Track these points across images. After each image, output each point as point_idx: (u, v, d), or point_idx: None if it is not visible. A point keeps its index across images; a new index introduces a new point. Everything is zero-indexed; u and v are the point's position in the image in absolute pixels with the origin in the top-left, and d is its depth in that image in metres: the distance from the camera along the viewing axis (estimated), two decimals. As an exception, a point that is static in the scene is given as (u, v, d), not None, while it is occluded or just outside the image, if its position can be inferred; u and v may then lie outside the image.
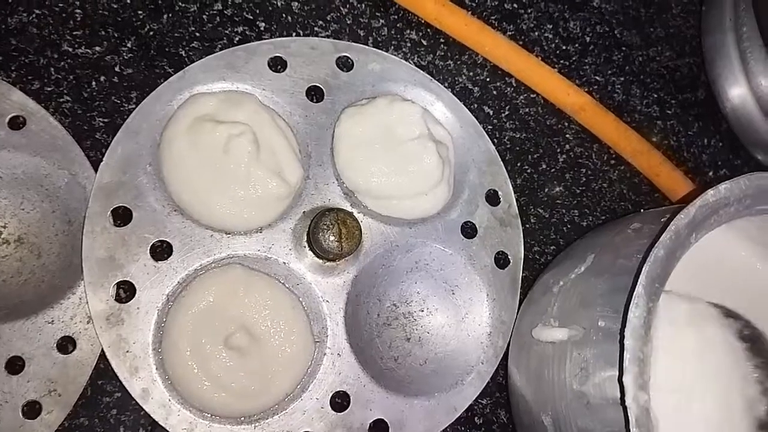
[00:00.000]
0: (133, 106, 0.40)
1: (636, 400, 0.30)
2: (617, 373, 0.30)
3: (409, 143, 0.41)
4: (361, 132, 0.42)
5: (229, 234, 0.39)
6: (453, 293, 0.44)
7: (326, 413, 0.38)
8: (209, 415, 0.36)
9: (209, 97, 0.40)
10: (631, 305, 0.31)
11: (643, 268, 0.31)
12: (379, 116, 0.42)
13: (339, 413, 0.38)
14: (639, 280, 0.31)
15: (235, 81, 0.41)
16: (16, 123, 0.37)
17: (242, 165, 0.38)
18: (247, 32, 0.44)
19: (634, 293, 0.31)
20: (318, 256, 0.39)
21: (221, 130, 0.38)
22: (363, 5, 0.47)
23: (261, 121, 0.40)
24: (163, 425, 0.35)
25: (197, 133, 0.39)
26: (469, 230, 0.44)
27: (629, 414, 0.29)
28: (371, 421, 0.39)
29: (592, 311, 0.35)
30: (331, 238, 0.37)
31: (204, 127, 0.39)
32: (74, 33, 0.41)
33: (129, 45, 0.42)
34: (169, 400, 0.36)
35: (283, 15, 0.45)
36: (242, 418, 0.37)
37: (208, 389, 0.36)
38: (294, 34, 0.45)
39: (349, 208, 0.41)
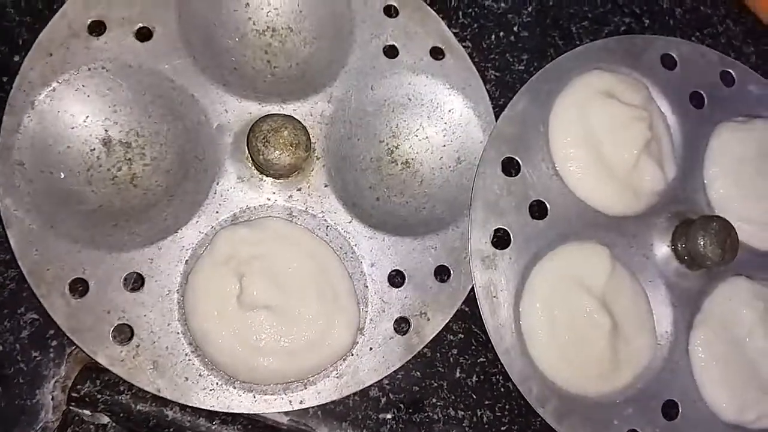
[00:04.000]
0: (522, 67, 0.42)
1: None
2: None
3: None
4: (738, 150, 0.41)
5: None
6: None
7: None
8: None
9: (607, 75, 0.40)
10: None
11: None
12: (758, 137, 0.41)
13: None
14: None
15: (630, 67, 0.41)
16: (437, 53, 0.39)
17: (635, 150, 0.38)
18: (632, 24, 0.44)
19: None
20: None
21: (620, 109, 0.39)
22: (738, 28, 0.47)
23: (653, 111, 0.40)
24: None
25: (589, 105, 0.39)
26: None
27: None
28: None
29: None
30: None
31: (598, 100, 0.39)
32: (484, -15, 0.42)
33: (530, 9, 0.43)
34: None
35: (667, 17, 0.45)
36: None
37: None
38: (672, 36, 0.45)
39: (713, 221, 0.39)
